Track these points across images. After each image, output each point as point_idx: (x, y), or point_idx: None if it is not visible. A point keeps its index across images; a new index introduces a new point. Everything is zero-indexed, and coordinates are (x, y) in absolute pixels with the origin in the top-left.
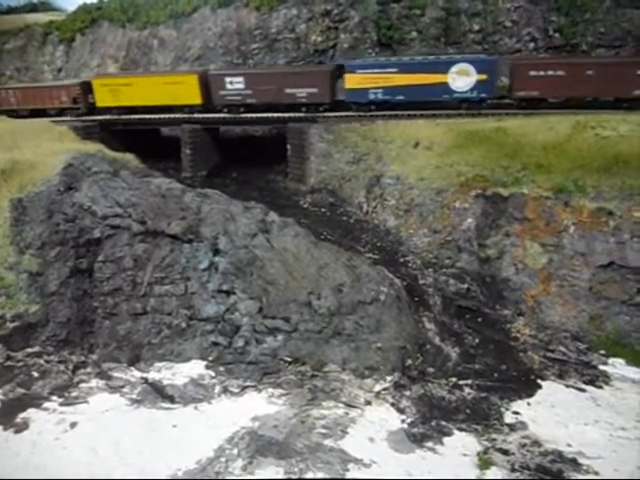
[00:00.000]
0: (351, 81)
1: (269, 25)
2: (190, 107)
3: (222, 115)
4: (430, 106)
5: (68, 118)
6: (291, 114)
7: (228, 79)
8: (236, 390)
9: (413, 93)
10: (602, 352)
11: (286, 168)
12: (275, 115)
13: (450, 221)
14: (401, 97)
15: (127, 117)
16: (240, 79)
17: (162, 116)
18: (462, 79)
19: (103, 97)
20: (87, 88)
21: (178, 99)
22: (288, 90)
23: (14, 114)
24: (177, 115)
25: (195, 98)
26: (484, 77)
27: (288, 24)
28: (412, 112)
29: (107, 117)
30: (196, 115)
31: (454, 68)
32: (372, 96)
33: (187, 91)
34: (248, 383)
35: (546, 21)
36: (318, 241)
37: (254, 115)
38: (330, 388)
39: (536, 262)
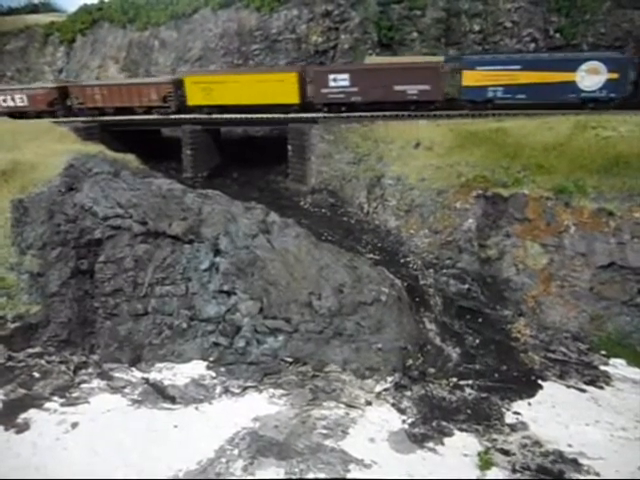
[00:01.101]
0: (469, 78)
1: (270, 26)
2: (286, 106)
3: (222, 115)
4: (551, 106)
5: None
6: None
7: (332, 76)
8: (237, 390)
9: (536, 92)
10: (603, 353)
11: (287, 169)
12: (275, 116)
13: (451, 222)
14: (522, 96)
15: (127, 118)
16: (345, 76)
17: (162, 117)
18: (591, 78)
19: (195, 95)
20: (178, 86)
21: (274, 98)
22: (397, 87)
23: (98, 112)
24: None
25: (292, 97)
26: (615, 76)
27: (289, 25)
28: (413, 112)
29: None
30: (198, 116)
31: (584, 66)
32: (491, 94)
33: (284, 89)
34: (249, 383)
35: (547, 22)
36: (319, 242)
37: (254, 116)
38: (331, 388)
39: (537, 262)
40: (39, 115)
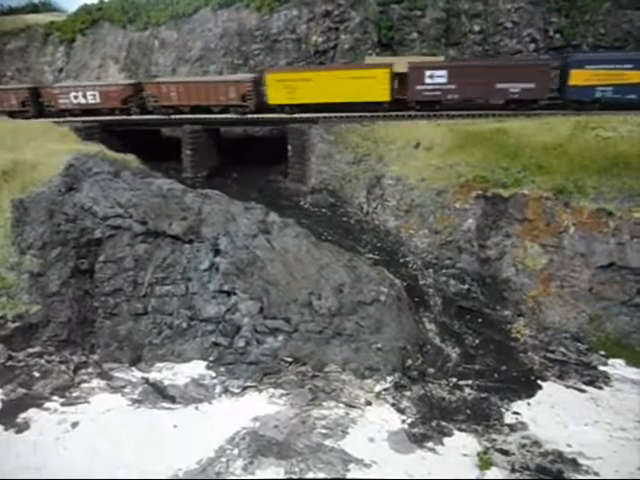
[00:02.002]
0: (577, 77)
1: (270, 26)
2: (376, 104)
3: (223, 116)
4: None
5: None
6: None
7: (428, 72)
8: (237, 390)
9: None
10: (602, 353)
11: (287, 169)
12: (275, 116)
13: (450, 222)
14: (633, 96)
15: (127, 118)
16: (442, 72)
17: (162, 117)
18: None
19: (277, 94)
20: (258, 84)
21: (363, 96)
22: (499, 85)
23: (173, 110)
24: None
25: (383, 94)
26: None
27: (289, 25)
28: (413, 113)
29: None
30: (198, 116)
31: None
32: (599, 94)
33: (375, 87)
34: (249, 383)
35: (546, 22)
36: (319, 241)
37: (254, 116)
38: (331, 388)
39: (536, 263)
40: (111, 112)
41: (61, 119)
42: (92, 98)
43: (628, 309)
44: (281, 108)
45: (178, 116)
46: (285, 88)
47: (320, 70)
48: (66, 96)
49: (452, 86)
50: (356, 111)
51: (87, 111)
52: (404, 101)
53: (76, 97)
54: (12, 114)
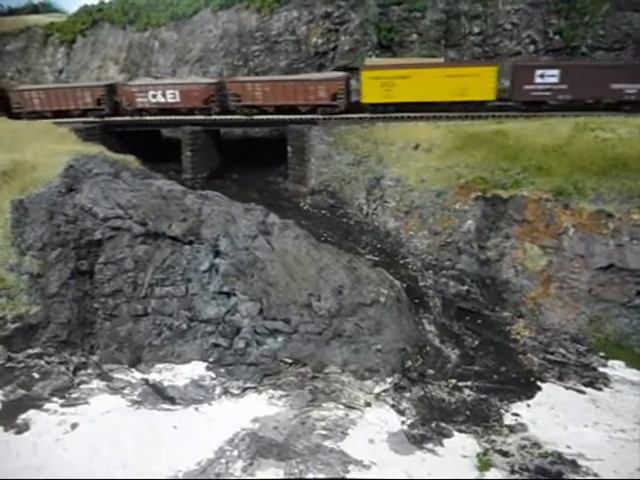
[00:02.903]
0: None
1: (270, 27)
2: (478, 104)
3: (223, 117)
4: None
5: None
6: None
7: (539, 71)
8: (236, 391)
9: None
10: (602, 354)
11: (286, 170)
12: (275, 117)
13: (450, 223)
14: None
15: (127, 119)
16: (554, 72)
17: (162, 118)
18: None
19: (372, 92)
20: (349, 82)
21: (466, 94)
22: (615, 85)
23: (257, 110)
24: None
25: (488, 93)
26: None
27: (289, 26)
28: (412, 114)
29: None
30: (196, 117)
31: None
32: None
33: (479, 85)
34: (248, 384)
35: (546, 24)
36: (318, 243)
37: (254, 117)
38: (330, 389)
39: (536, 264)
40: (190, 112)
41: (136, 118)
42: (172, 97)
43: (628, 311)
44: (374, 107)
45: (180, 117)
46: (381, 86)
47: (421, 67)
48: (144, 95)
49: (563, 86)
50: (456, 111)
51: (165, 111)
52: (510, 100)
53: (155, 96)
54: (85, 113)
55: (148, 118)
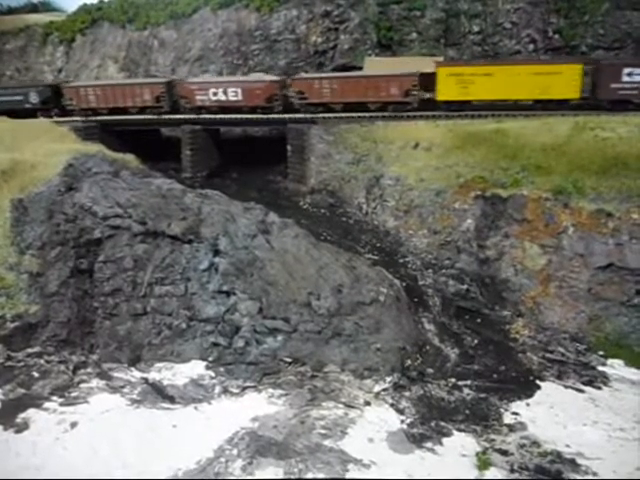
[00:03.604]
0: None
1: (269, 26)
2: (560, 102)
3: (223, 116)
4: None
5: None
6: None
7: (626, 70)
8: (236, 390)
9: None
10: (601, 353)
11: (286, 169)
12: (275, 116)
13: (449, 222)
14: None
15: (126, 117)
16: None
17: (162, 117)
18: None
19: (448, 89)
20: (425, 79)
21: (548, 93)
22: None
23: (324, 108)
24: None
25: (572, 91)
26: None
27: (288, 25)
28: (411, 113)
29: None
30: (196, 116)
31: None
32: None
33: (564, 83)
34: (248, 383)
35: (545, 23)
36: (318, 242)
37: (254, 116)
38: (330, 389)
39: (535, 263)
40: (252, 111)
41: (189, 116)
42: (233, 95)
43: (627, 309)
44: (448, 105)
45: (180, 116)
46: (458, 83)
47: (502, 64)
48: (205, 92)
49: None
50: (535, 109)
51: (225, 109)
52: (594, 99)
53: (215, 93)
54: (142, 110)
55: (147, 117)
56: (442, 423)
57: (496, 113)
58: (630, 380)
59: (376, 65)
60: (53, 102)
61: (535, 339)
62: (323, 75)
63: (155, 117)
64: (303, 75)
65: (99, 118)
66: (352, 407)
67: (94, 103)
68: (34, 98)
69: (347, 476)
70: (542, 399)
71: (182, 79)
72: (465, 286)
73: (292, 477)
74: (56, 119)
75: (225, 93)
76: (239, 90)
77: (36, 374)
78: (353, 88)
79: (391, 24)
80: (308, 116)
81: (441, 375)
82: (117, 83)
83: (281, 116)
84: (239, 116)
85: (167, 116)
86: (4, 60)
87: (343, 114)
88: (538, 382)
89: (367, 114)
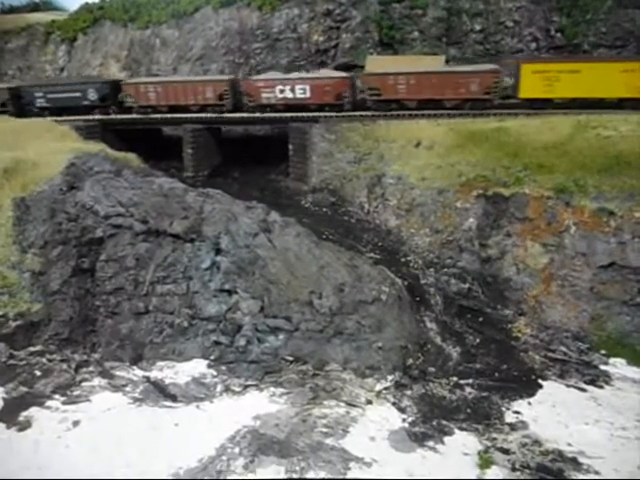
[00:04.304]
0: None
1: (271, 25)
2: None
3: (225, 115)
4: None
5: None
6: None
7: None
8: (238, 389)
9: None
10: (603, 352)
11: (288, 168)
12: (277, 115)
13: (451, 221)
14: None
15: (128, 117)
16: None
17: (164, 115)
18: None
19: (532, 86)
20: (508, 74)
21: (631, 91)
22: None
23: (395, 106)
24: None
25: None
26: None
27: (290, 24)
28: (414, 112)
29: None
30: (197, 115)
31: None
32: None
33: None
34: (250, 382)
35: (548, 21)
36: (319, 241)
37: (255, 115)
38: (331, 387)
39: (537, 262)
40: (320, 109)
41: (256, 114)
42: (301, 92)
43: (629, 308)
44: (531, 103)
45: (179, 115)
46: (543, 80)
47: (590, 61)
48: (271, 90)
49: None
50: (627, 108)
51: (291, 107)
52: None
53: (282, 91)
54: (203, 109)
55: (149, 116)
56: (444, 422)
57: (583, 111)
58: (632, 379)
59: (378, 64)
60: (111, 99)
61: (537, 338)
62: (400, 71)
63: (158, 116)
64: (377, 71)
65: (104, 117)
66: (354, 406)
67: (154, 100)
68: (92, 95)
69: (349, 474)
70: (544, 398)
71: (247, 76)
72: (467, 285)
73: (294, 475)
74: (66, 118)
75: (292, 90)
76: (307, 87)
77: (38, 373)
78: (431, 84)
79: (393, 23)
80: (309, 115)
81: (443, 374)
82: (179, 80)
83: (282, 115)
84: (239, 115)
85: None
86: (6, 59)
87: (406, 111)
88: (540, 381)
89: (439, 111)
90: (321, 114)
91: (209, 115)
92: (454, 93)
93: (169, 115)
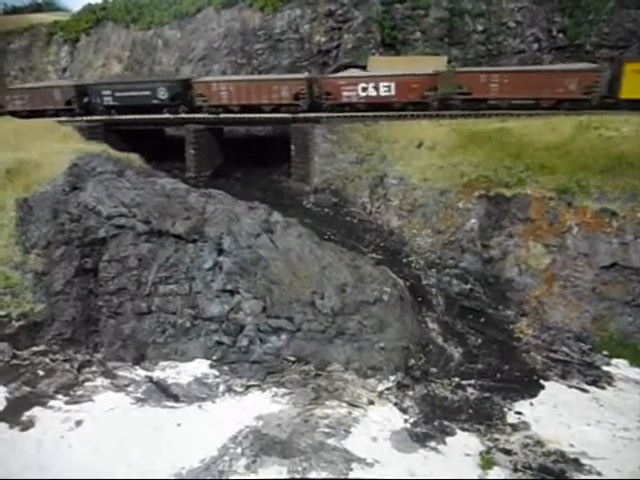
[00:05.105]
0: None
1: (273, 25)
2: None
3: (226, 115)
4: None
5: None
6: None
7: None
8: (240, 389)
9: None
10: (605, 353)
11: (290, 168)
12: (279, 115)
13: (453, 221)
14: None
15: (131, 117)
16: None
17: (165, 116)
18: None
19: (633, 86)
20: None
21: None
22: None
23: (484, 105)
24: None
25: None
26: None
27: (292, 24)
28: (415, 112)
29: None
30: (199, 115)
31: None
32: None
33: None
34: (252, 382)
35: (550, 22)
36: (321, 241)
37: (257, 115)
38: (333, 387)
39: (539, 263)
40: (403, 108)
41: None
42: (385, 90)
43: (631, 309)
44: (633, 103)
45: (185, 115)
46: None
47: None
48: (353, 87)
49: None
50: None
51: (373, 106)
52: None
53: (365, 89)
54: (277, 109)
55: (151, 117)
56: (446, 422)
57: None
58: (634, 380)
59: (380, 64)
60: (182, 98)
61: (539, 339)
62: (493, 69)
63: (159, 117)
64: (468, 68)
65: (104, 118)
66: (356, 406)
67: (225, 100)
68: (162, 94)
69: (350, 475)
70: (546, 399)
71: (324, 75)
72: (469, 286)
73: (296, 476)
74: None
75: (376, 88)
76: (392, 84)
77: (41, 372)
78: (525, 83)
79: (395, 23)
80: (312, 115)
81: (445, 374)
82: (254, 79)
83: (284, 116)
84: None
85: (168, 115)
86: (9, 60)
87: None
88: (542, 382)
89: (533, 112)
90: (407, 112)
91: (210, 116)
92: (551, 93)
93: (170, 115)
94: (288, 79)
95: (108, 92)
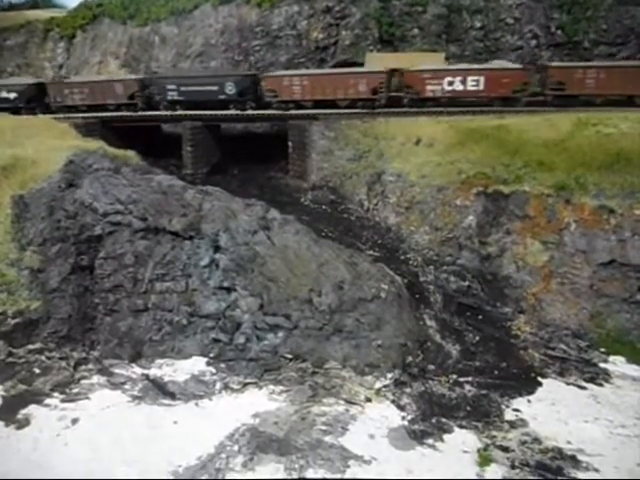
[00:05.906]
0: None
1: (270, 22)
2: None
3: (223, 112)
4: None
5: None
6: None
7: None
8: (237, 387)
9: None
10: (603, 350)
11: (287, 165)
12: (276, 112)
13: (451, 219)
14: None
15: (128, 114)
16: None
17: (162, 113)
18: None
19: None
20: None
21: None
22: None
23: (578, 101)
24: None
25: None
26: None
27: (289, 21)
28: (413, 109)
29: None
30: (197, 112)
31: None
32: None
33: None
34: (249, 380)
35: (548, 18)
36: (319, 238)
37: (254, 112)
38: (331, 385)
39: (537, 260)
40: (489, 103)
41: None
42: (473, 84)
43: (629, 306)
44: None
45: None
46: None
47: None
48: (438, 81)
49: None
50: None
51: (455, 100)
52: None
53: (451, 83)
54: (354, 104)
55: (147, 113)
56: (443, 419)
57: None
58: (632, 377)
59: (378, 61)
60: (250, 94)
61: (537, 336)
62: (590, 63)
63: (156, 113)
64: (565, 63)
65: (100, 114)
66: (353, 403)
67: (298, 95)
68: (230, 89)
69: (348, 472)
70: (543, 396)
71: (405, 68)
72: (466, 283)
73: (293, 473)
74: (68, 115)
75: (463, 82)
76: (482, 79)
77: (37, 370)
78: (622, 78)
79: (392, 20)
80: (309, 112)
81: (442, 372)
82: (328, 72)
83: (282, 112)
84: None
85: (166, 112)
86: (5, 56)
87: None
88: (539, 379)
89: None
90: (483, 109)
91: (207, 112)
92: (631, 89)
93: (169, 112)
94: (366, 72)
95: (173, 86)
